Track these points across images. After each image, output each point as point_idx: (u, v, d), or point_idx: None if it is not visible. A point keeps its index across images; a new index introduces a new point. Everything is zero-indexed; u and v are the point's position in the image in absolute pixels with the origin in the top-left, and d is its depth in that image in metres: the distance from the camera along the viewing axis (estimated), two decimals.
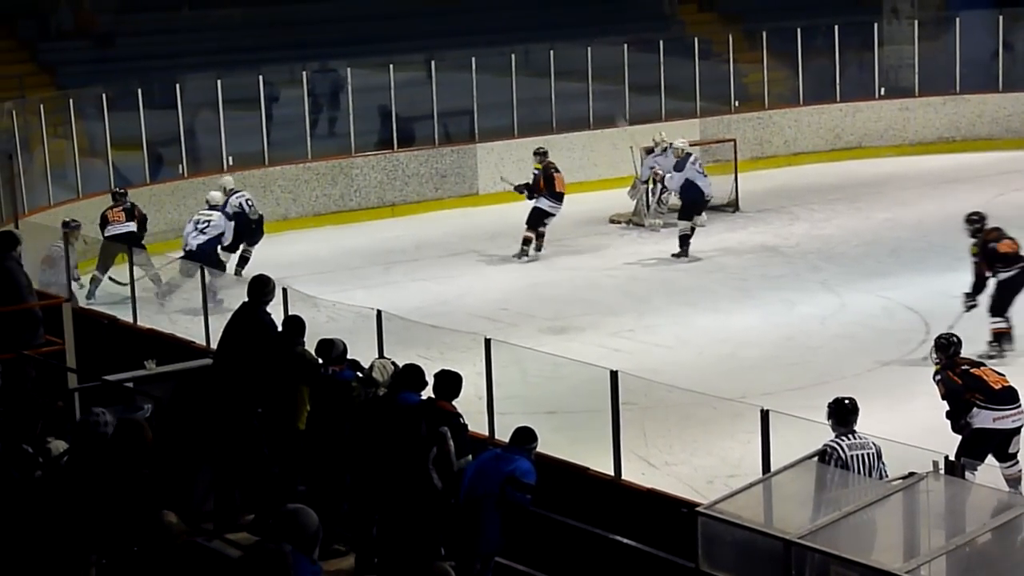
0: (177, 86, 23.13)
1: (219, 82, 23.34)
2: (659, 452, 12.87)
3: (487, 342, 11.84)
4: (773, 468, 9.81)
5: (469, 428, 10.17)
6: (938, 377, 12.30)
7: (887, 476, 9.72)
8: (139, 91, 22.65)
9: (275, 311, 12.15)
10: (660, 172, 21.98)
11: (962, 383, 12.03)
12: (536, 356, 14.02)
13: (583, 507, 10.68)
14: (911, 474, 8.88)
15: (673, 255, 20.58)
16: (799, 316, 17.71)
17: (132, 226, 19.27)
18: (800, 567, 8.34)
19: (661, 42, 26.82)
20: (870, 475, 9.67)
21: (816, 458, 9.65)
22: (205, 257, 17.90)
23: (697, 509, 8.93)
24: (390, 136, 24.83)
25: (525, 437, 9.75)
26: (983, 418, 11.89)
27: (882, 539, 8.85)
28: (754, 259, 20.41)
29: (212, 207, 18.95)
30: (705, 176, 21.17)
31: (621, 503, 10.76)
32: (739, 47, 27.78)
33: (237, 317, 11.97)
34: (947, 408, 12.10)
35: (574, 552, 10.39)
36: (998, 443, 11.90)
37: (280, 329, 11.68)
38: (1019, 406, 11.90)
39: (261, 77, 23.81)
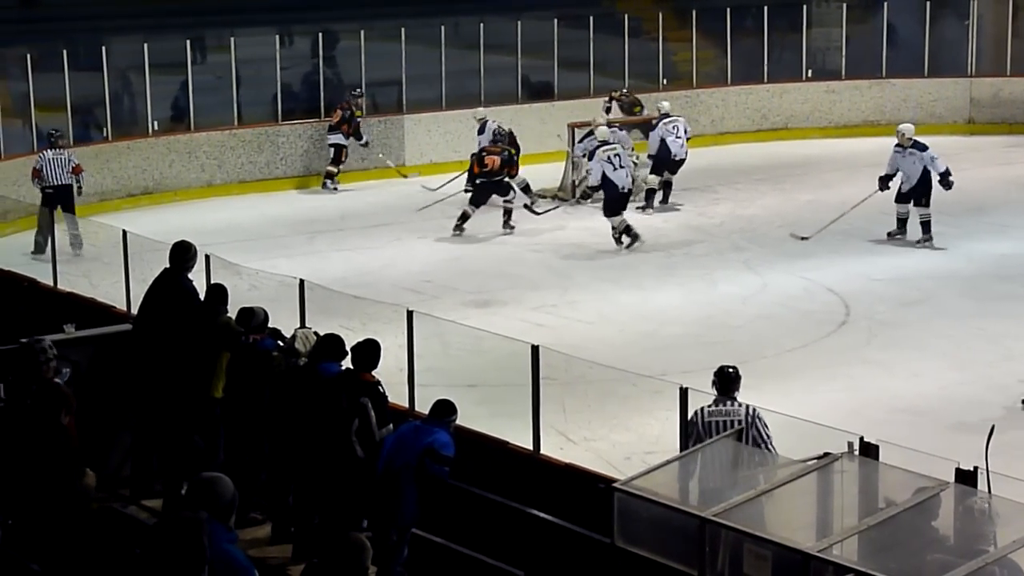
0: (103, 48, 22.92)
1: (145, 46, 23.12)
2: (578, 427, 12.91)
3: (409, 314, 11.83)
4: (691, 446, 9.87)
5: (389, 399, 10.17)
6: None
7: (767, 440, 9.79)
8: (64, 52, 22.40)
9: (197, 278, 12.08)
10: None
11: None
12: (458, 329, 14.02)
13: (501, 481, 10.71)
14: (826, 454, 8.95)
15: (637, 208, 21.31)
16: (721, 295, 17.81)
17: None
18: (714, 544, 8.41)
19: (591, 18, 26.83)
20: None
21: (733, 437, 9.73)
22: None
23: (614, 485, 8.97)
24: (317, 105, 24.72)
25: (445, 410, 9.76)
26: None
27: (796, 518, 8.92)
28: (678, 237, 20.49)
29: None
30: (677, 137, 21.93)
31: (539, 477, 10.78)
32: (669, 25, 27.81)
33: (158, 283, 11.89)
34: None
35: (491, 525, 10.42)
36: None
37: (203, 297, 11.63)
38: None
39: (188, 42, 23.62)
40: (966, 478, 8.50)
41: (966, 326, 15.87)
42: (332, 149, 23.73)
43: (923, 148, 19.75)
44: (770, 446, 9.81)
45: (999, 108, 27.88)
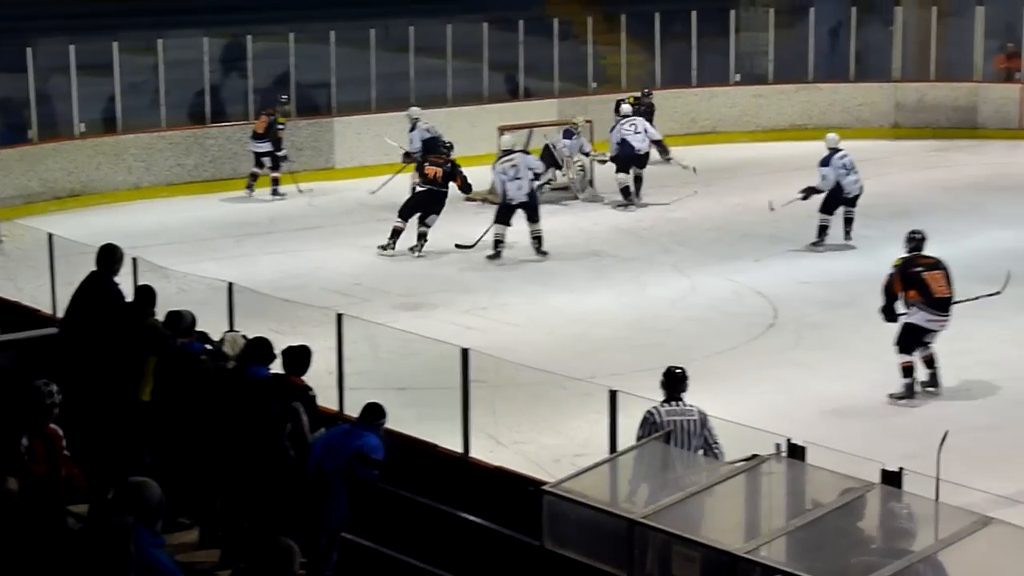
0: (28, 50, 22.73)
1: (72, 47, 22.95)
2: (508, 430, 12.93)
3: (339, 317, 11.81)
4: (620, 448, 9.90)
5: (319, 403, 10.15)
6: (891, 270, 14.31)
7: (717, 443, 9.87)
8: None
9: (124, 281, 12.01)
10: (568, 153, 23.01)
11: (903, 282, 14.11)
12: (388, 332, 14.02)
13: (431, 484, 10.71)
14: (754, 456, 9.00)
15: (618, 205, 22.35)
16: (650, 298, 17.87)
17: None
18: (643, 546, 8.43)
19: (521, 22, 26.88)
20: (689, 441, 9.81)
21: (662, 439, 9.77)
22: None
23: (543, 487, 8.99)
24: (246, 107, 24.62)
25: (374, 413, 9.75)
26: (919, 317, 14.08)
27: (725, 519, 8.97)
28: (608, 240, 20.55)
29: None
30: (636, 133, 22.59)
31: (469, 480, 10.79)
32: (598, 29, 27.93)
33: (85, 286, 11.82)
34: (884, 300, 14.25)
35: (421, 528, 10.42)
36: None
37: (130, 299, 11.56)
38: (947, 314, 14.08)
39: (116, 44, 23.47)
40: (892, 479, 8.57)
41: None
42: (268, 158, 23.24)
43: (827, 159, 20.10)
44: (719, 448, 9.88)
45: (923, 113, 28.15)
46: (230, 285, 12.70)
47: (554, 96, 26.99)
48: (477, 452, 11.10)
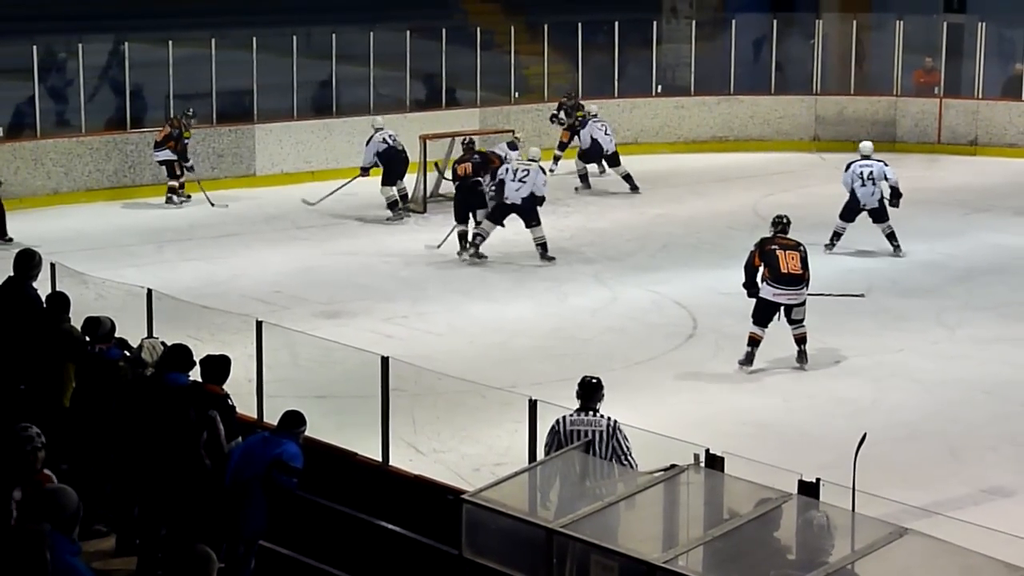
0: None
1: None
2: (427, 439, 12.92)
3: (258, 324, 11.77)
4: (539, 458, 9.92)
5: (238, 411, 10.11)
6: (752, 248, 15.53)
7: (627, 452, 9.90)
8: None
9: (42, 287, 11.91)
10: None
11: (761, 258, 15.29)
12: (308, 340, 13.98)
13: (350, 492, 10.70)
14: (672, 466, 9.05)
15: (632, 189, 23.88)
16: (571, 308, 17.91)
17: None
18: (561, 555, 8.46)
19: (444, 30, 26.89)
20: (596, 451, 9.85)
21: (581, 448, 9.80)
22: None
23: (462, 496, 9.00)
24: (167, 112, 24.47)
25: (293, 421, 9.72)
26: (766, 291, 15.29)
27: (643, 529, 9.01)
28: (529, 250, 20.58)
29: None
30: (607, 134, 24.28)
31: (388, 489, 10.78)
32: (520, 39, 27.97)
33: (2, 291, 11.72)
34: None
35: (340, 537, 10.40)
36: (783, 311, 15.30)
37: (45, 305, 11.47)
38: (794, 289, 15.22)
39: (36, 47, 23.27)
40: (809, 490, 8.64)
41: (810, 340, 16.12)
42: (164, 166, 23.04)
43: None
44: (630, 459, 9.91)
45: (843, 126, 28.40)
46: (149, 291, 12.64)
47: (476, 105, 27.00)
48: (397, 461, 11.10)
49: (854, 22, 28.72)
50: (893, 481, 11.51)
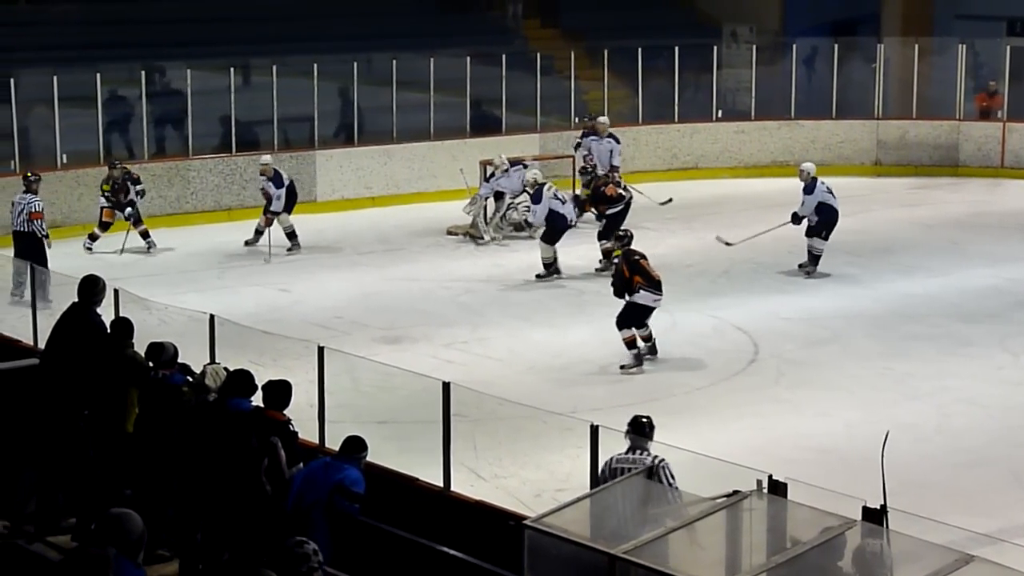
0: (12, 81, 22.73)
1: (55, 78, 22.95)
2: (488, 464, 12.92)
3: (320, 350, 11.80)
4: (601, 483, 9.90)
5: (300, 436, 10.13)
6: (616, 260, 17.04)
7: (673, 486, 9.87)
8: None
9: (106, 313, 11.99)
10: (505, 191, 22.73)
11: (629, 269, 16.42)
12: (369, 365, 14.01)
13: (412, 518, 10.68)
14: (735, 492, 9.00)
15: (537, 276, 20.44)
16: None
17: None
18: None
19: (504, 56, 26.95)
20: None
21: (644, 475, 9.77)
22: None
23: (524, 522, 8.97)
24: (229, 140, 24.63)
25: (355, 446, 9.74)
26: (645, 297, 16.40)
27: (705, 555, 8.96)
28: (589, 275, 20.56)
29: None
30: (564, 203, 21.09)
31: (450, 514, 10.78)
32: (581, 64, 28.01)
33: (66, 317, 11.80)
34: (614, 283, 16.68)
35: (402, 563, 10.39)
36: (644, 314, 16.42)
37: (109, 331, 11.54)
38: (662, 293, 16.57)
39: (99, 75, 23.48)
40: (873, 516, 8.57)
41: (873, 365, 16.02)
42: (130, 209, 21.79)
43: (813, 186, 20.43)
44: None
45: (905, 150, 28.27)
46: (211, 317, 12.69)
47: (536, 131, 27.03)
48: (458, 486, 11.10)
49: (916, 45, 28.59)
50: (957, 507, 11.42)
